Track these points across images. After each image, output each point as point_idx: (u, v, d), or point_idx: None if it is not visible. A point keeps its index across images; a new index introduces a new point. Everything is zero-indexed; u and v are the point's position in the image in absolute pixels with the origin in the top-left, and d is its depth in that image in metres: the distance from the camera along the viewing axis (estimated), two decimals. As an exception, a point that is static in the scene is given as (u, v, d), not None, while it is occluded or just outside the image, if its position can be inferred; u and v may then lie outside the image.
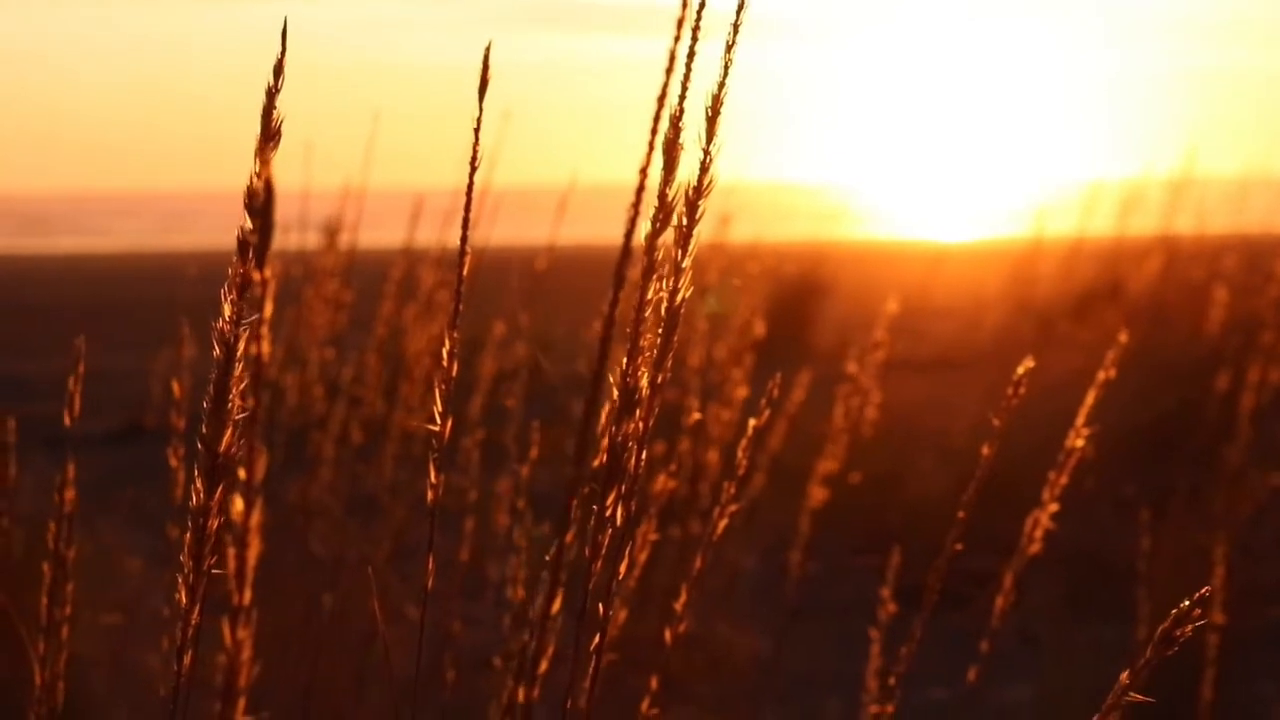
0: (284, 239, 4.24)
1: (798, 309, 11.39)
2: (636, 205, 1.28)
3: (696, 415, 3.76)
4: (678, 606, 1.53)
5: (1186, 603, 1.23)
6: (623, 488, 1.33)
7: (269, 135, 1.25)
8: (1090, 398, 1.69)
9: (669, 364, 1.35)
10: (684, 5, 1.27)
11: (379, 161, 4.18)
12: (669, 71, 1.27)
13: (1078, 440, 1.72)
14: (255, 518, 0.95)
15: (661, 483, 2.02)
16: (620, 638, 1.95)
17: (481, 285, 4.10)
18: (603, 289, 1.73)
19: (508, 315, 4.02)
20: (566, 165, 4.02)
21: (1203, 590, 1.23)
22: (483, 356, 3.69)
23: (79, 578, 3.83)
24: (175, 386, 2.13)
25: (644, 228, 1.34)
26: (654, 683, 1.59)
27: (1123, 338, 1.70)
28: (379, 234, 6.61)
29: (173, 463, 2.23)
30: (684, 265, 1.34)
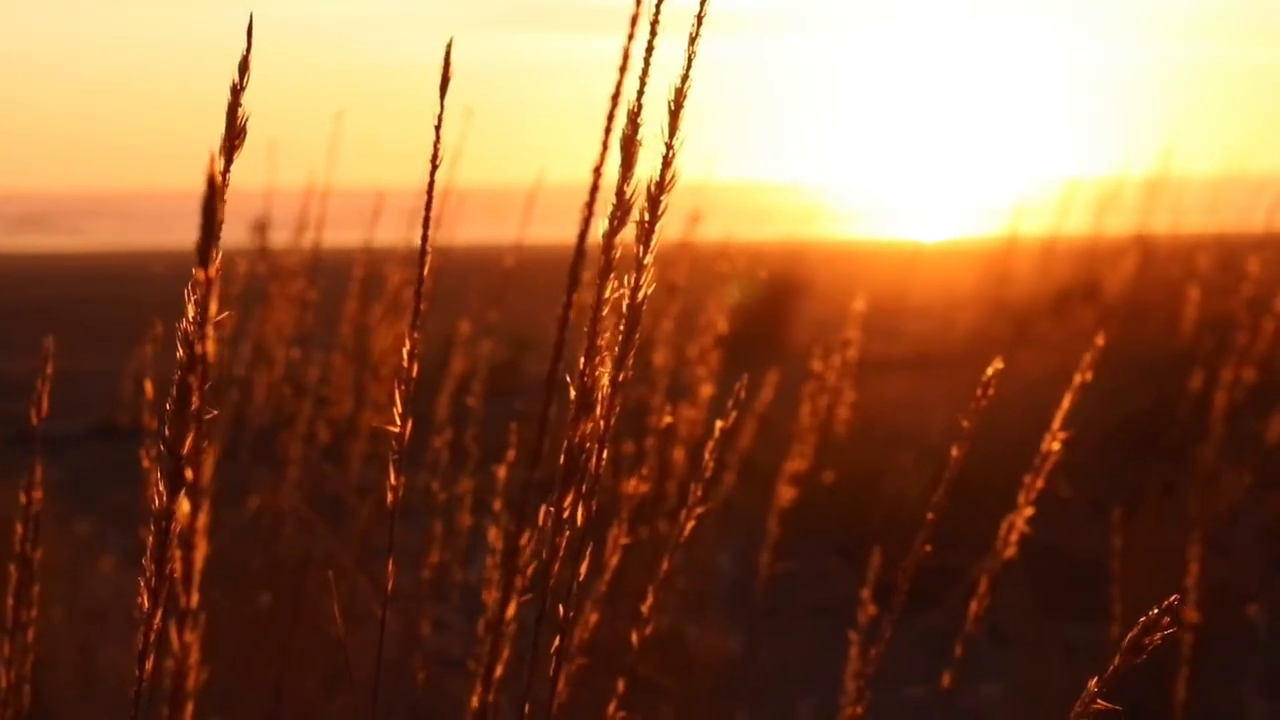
0: (250, 237, 4.21)
1: (774, 308, 11.39)
2: (590, 206, 1.26)
3: (668, 419, 3.74)
4: (644, 609, 1.51)
5: (1155, 610, 1.21)
6: (582, 488, 1.31)
7: (234, 133, 1.24)
8: (1066, 402, 1.67)
9: (630, 362, 1.33)
10: (638, 2, 1.25)
11: (347, 159, 4.16)
12: (623, 70, 1.25)
13: (1053, 444, 1.70)
14: (202, 520, 0.93)
15: (633, 486, 2.00)
16: (593, 640, 1.93)
17: (451, 284, 4.09)
18: (578, 287, 1.71)
19: (474, 314, 4.00)
20: (542, 164, 4.01)
21: (1171, 599, 1.21)
22: (452, 355, 3.67)
23: (53, 577, 3.79)
24: (148, 386, 2.11)
25: (601, 226, 1.32)
26: (620, 685, 1.57)
27: (1100, 340, 1.68)
28: (346, 232, 6.59)
29: (145, 463, 2.21)
30: (646, 262, 1.32)
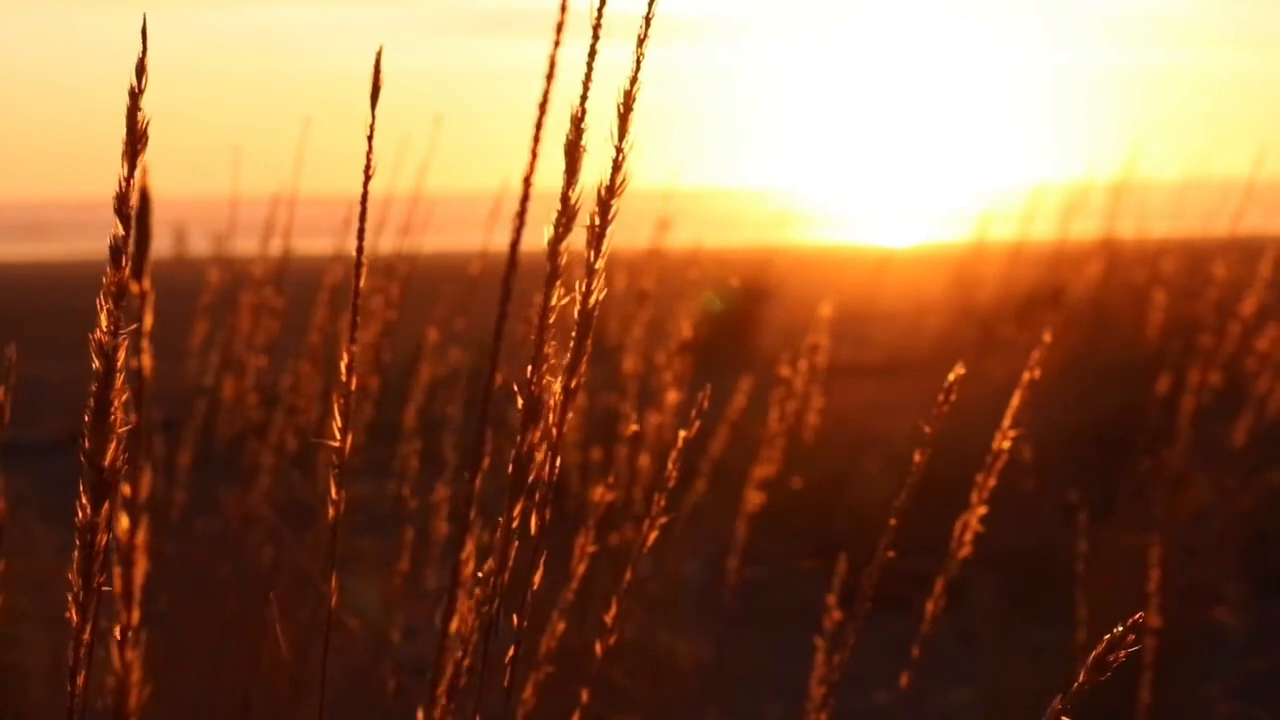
0: (216, 245, 4.21)
1: (742, 314, 11.40)
2: (521, 215, 1.25)
3: (634, 426, 3.75)
4: (608, 619, 1.51)
5: (1120, 628, 1.22)
6: (534, 496, 1.31)
7: (135, 138, 1.22)
8: (1016, 400, 1.68)
9: (583, 370, 1.33)
10: (562, 10, 1.25)
11: (315, 166, 4.15)
12: (549, 78, 1.24)
13: (1004, 443, 1.71)
14: (140, 536, 0.93)
15: (600, 494, 2.00)
16: (564, 648, 1.94)
17: (420, 291, 4.08)
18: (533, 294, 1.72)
19: (441, 321, 4.00)
20: (507, 170, 4.01)
21: (1136, 616, 1.21)
22: (419, 363, 3.67)
23: (15, 588, 3.78)
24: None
25: (546, 233, 1.31)
26: (584, 695, 1.57)
27: (1047, 337, 1.69)
28: (315, 240, 6.58)
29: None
30: (597, 267, 1.31)
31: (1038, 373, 1.67)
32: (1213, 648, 5.30)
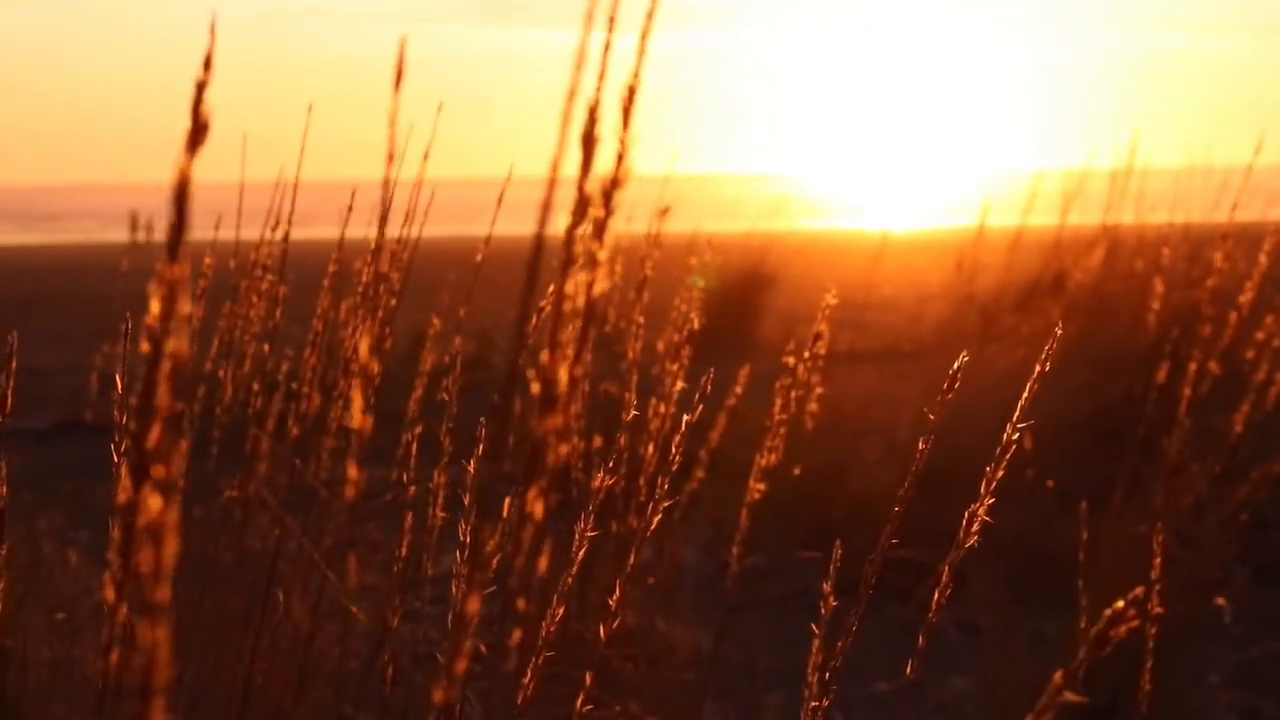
0: (219, 232, 4.21)
1: (743, 301, 11.41)
2: (548, 200, 1.26)
3: (634, 412, 3.76)
4: (612, 603, 1.52)
5: (1121, 603, 1.22)
6: (543, 483, 1.32)
7: (198, 128, 1.24)
8: (1027, 392, 1.68)
9: (588, 357, 1.33)
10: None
11: (319, 152, 4.15)
12: (579, 66, 1.25)
13: (1013, 434, 1.71)
14: (172, 515, 0.93)
15: (600, 480, 2.01)
16: (561, 634, 1.94)
17: (422, 278, 4.08)
18: (544, 282, 1.71)
19: (444, 309, 4.00)
20: (512, 157, 4.00)
21: (1136, 591, 1.22)
22: (423, 350, 3.66)
23: (17, 573, 3.77)
24: (118, 381, 2.11)
25: (561, 221, 1.32)
26: (588, 679, 1.58)
27: (1058, 329, 1.69)
28: (318, 227, 6.58)
29: (115, 457, 2.21)
30: (600, 258, 1.32)
31: (1048, 365, 1.67)
32: (1212, 636, 5.31)
